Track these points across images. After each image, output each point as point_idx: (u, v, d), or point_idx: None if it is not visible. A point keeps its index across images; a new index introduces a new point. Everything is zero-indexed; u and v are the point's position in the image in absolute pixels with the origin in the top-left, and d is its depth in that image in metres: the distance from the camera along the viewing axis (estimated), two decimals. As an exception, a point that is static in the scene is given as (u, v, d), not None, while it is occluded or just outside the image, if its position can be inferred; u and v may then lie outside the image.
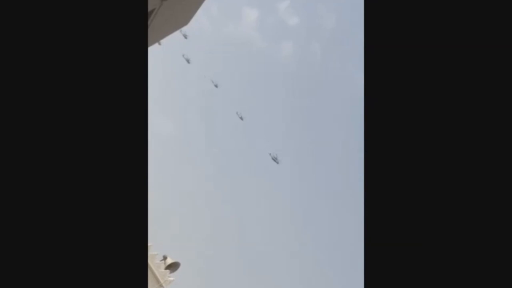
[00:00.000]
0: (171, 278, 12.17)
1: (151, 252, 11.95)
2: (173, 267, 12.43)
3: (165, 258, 12.40)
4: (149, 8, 9.26)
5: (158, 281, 11.87)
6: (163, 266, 12.21)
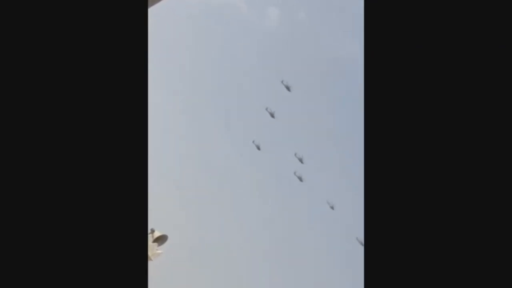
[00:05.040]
0: (159, 251, 12.25)
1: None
2: (160, 240, 12.48)
3: (152, 231, 12.35)
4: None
5: (146, 254, 11.94)
6: (151, 239, 12.25)
